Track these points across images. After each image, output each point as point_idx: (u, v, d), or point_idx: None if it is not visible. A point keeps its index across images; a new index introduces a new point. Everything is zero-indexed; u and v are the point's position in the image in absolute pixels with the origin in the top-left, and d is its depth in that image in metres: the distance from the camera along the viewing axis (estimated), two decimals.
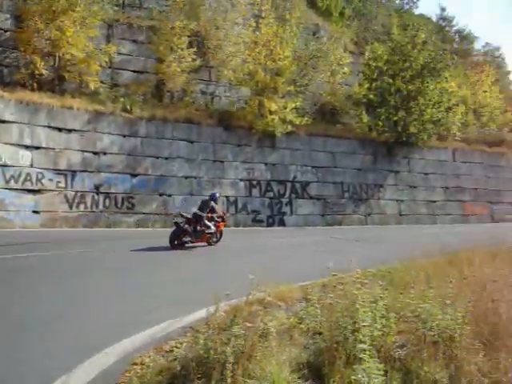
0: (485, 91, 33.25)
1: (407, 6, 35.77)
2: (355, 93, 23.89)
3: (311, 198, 20.93)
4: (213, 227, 12.30)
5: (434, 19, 39.24)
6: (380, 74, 23.18)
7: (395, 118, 22.97)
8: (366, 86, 23.41)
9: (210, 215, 12.28)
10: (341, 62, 23.37)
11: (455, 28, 40.41)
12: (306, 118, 20.60)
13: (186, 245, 11.97)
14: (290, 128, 20.04)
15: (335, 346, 4.43)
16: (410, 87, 22.78)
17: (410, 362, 4.49)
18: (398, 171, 23.42)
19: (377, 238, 16.13)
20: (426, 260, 8.24)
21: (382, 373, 3.99)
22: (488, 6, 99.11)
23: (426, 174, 24.32)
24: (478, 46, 43.69)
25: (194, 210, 12.38)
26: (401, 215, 22.89)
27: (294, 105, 20.23)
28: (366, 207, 22.08)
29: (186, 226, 11.81)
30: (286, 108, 20.02)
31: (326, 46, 22.94)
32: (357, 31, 27.83)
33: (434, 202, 24.14)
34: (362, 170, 22.38)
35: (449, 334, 4.70)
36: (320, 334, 4.95)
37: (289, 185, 20.59)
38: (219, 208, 13.65)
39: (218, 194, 13.23)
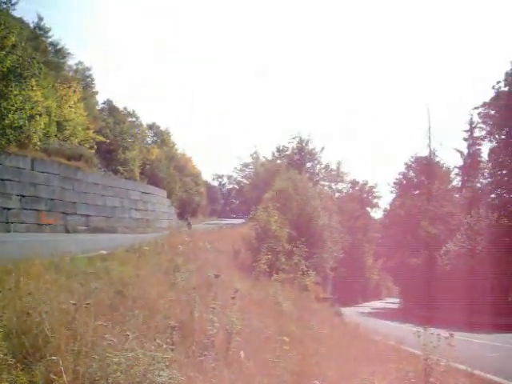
0: (70, 106, 34.73)
1: (4, 6, 33.96)
2: None
3: None
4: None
5: (32, 26, 38.66)
6: None
7: None
8: None
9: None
10: None
11: (50, 40, 40.86)
12: None
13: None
14: None
15: None
16: None
17: None
18: None
19: None
20: None
21: None
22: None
23: (2, 180, 23.44)
24: (71, 62, 45.42)
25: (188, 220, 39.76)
26: None
27: None
28: None
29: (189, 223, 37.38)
30: None
31: None
32: None
33: (9, 209, 23.49)
34: None
35: None
36: None
37: None
38: None
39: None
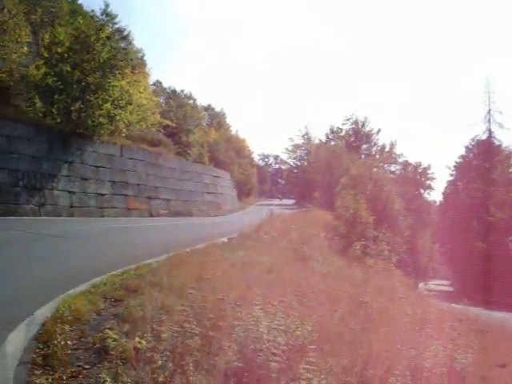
0: (141, 92, 35.61)
1: None
2: (32, 75, 22.26)
3: None
4: None
5: (98, 13, 39.33)
6: (61, 60, 22.28)
7: (72, 108, 22.54)
8: (44, 70, 22.12)
9: None
10: (19, 40, 21.48)
11: (117, 26, 41.53)
12: None
13: None
14: None
15: None
16: (90, 79, 22.69)
17: None
18: (72, 162, 22.97)
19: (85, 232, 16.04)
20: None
21: None
22: None
23: (96, 167, 24.56)
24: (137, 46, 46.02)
25: None
26: (72, 207, 22.56)
27: None
28: (39, 197, 20.91)
29: None
30: None
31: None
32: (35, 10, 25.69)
33: (103, 195, 24.68)
34: (37, 158, 21.06)
35: None
36: None
37: None
38: None
39: None
